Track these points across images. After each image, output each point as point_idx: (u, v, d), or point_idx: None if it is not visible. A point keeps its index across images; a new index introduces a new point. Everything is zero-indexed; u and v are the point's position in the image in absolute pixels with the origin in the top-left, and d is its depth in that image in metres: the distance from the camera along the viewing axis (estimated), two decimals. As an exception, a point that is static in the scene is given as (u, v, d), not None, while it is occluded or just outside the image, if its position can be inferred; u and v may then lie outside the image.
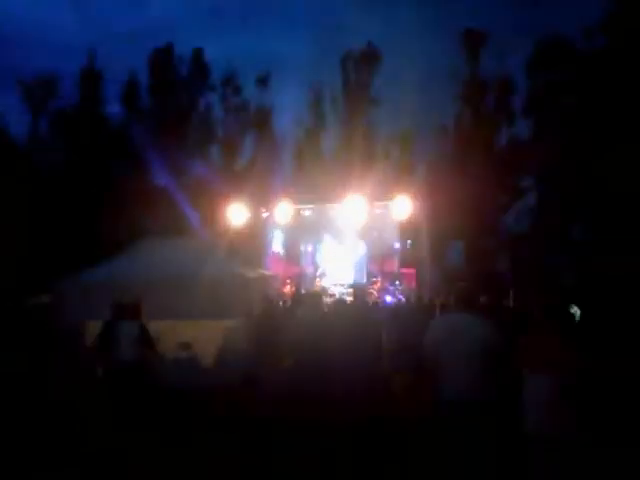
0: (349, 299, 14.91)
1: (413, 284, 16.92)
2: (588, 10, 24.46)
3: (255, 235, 17.82)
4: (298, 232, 18.82)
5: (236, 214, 16.94)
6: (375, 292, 17.13)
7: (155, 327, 7.54)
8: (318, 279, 18.51)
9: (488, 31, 28.30)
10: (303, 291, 15.61)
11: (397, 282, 17.22)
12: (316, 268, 19.11)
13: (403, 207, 16.60)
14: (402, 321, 8.89)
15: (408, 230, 16.79)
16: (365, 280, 18.14)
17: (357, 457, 4.97)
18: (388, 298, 16.04)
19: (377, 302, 16.12)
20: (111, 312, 7.15)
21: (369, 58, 30.35)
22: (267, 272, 15.38)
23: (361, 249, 18.81)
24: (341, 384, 4.94)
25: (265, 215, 17.46)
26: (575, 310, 6.64)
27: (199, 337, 9.12)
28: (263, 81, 31.18)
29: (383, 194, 16.47)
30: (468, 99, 28.06)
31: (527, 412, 4.42)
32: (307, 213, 17.08)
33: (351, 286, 16.61)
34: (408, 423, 5.90)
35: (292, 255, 19.24)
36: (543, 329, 4.52)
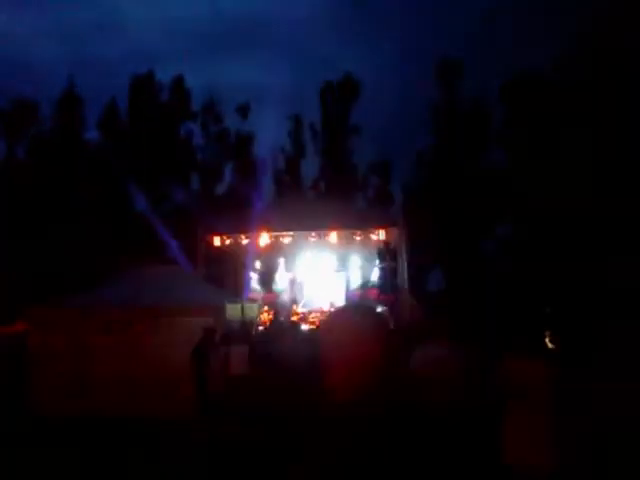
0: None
1: (392, 311, 16.92)
2: (562, 43, 25.26)
3: (234, 262, 17.75)
4: (277, 259, 18.78)
5: (215, 241, 16.87)
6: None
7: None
8: (296, 306, 18.45)
9: (463, 61, 29.05)
10: (282, 319, 15.56)
11: (378, 309, 17.22)
12: (295, 295, 19.05)
13: (382, 235, 16.71)
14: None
15: (387, 257, 16.86)
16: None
17: None
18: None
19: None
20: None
21: (347, 89, 30.84)
22: (246, 300, 15.30)
23: (340, 276, 18.82)
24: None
25: (244, 242, 17.41)
26: (549, 336, 6.74)
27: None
28: (243, 109, 31.46)
29: (362, 222, 16.56)
30: (444, 127, 28.59)
31: (508, 442, 4.44)
32: (286, 240, 17.08)
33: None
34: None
35: (271, 282, 19.16)
36: (521, 356, 4.58)
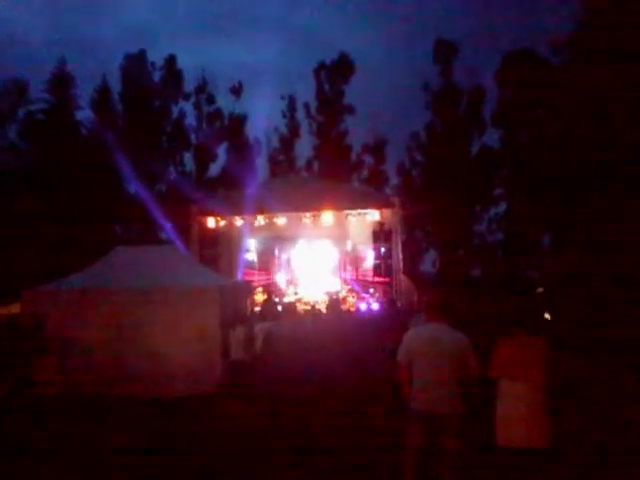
0: (323, 308, 14.98)
1: (387, 292, 16.99)
2: (559, 24, 25.04)
3: (228, 243, 17.73)
4: (271, 240, 18.79)
5: (209, 223, 16.84)
6: (351, 300, 17.20)
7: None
8: (291, 287, 18.51)
9: (459, 42, 28.79)
10: (276, 299, 15.60)
11: (371, 290, 17.29)
12: (289, 276, 19.10)
13: (377, 215, 16.71)
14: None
15: (382, 239, 16.86)
16: (339, 288, 18.18)
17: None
18: (363, 306, 16.09)
19: (351, 310, 16.19)
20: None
21: (342, 68, 30.57)
22: (240, 280, 15.33)
23: (335, 258, 18.86)
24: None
25: (239, 223, 17.39)
26: (547, 317, 6.79)
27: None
28: (237, 89, 31.18)
29: (357, 203, 16.54)
30: (439, 109, 28.43)
31: (501, 424, 4.47)
32: (281, 221, 17.06)
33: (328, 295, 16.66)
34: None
35: (265, 263, 19.19)
36: (517, 337, 4.60)
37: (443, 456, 4.18)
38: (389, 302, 14.01)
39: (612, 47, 11.74)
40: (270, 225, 17.25)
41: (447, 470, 4.16)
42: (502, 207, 27.53)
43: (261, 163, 31.06)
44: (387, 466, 4.86)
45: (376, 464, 5.12)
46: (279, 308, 13.55)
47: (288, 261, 19.24)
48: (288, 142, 31.24)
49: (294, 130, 31.25)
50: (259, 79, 37.71)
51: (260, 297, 16.66)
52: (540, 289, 14.75)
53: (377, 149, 30.77)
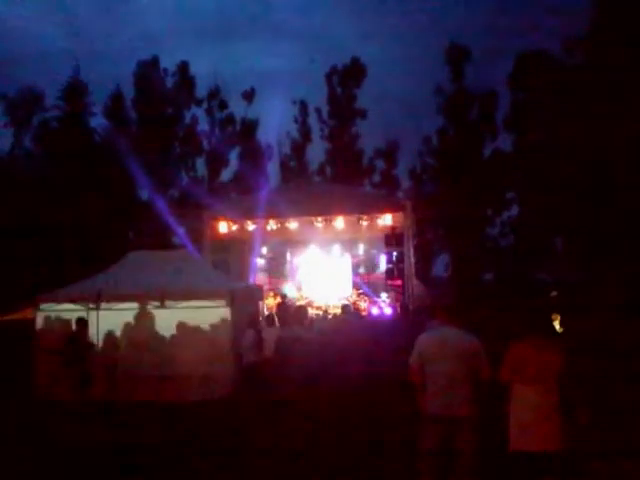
0: (335, 312, 14.94)
1: (399, 296, 16.92)
2: (570, 25, 24.90)
3: (240, 248, 17.77)
4: (283, 245, 18.80)
5: (222, 227, 16.89)
6: (364, 304, 17.15)
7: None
8: (302, 291, 18.47)
9: (472, 46, 28.75)
10: (288, 303, 15.57)
11: (383, 295, 17.22)
12: (300, 281, 19.08)
13: (389, 220, 16.65)
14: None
15: (394, 243, 16.80)
16: (351, 293, 18.14)
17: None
18: (375, 310, 16.04)
19: (362, 314, 16.13)
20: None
21: (354, 73, 30.63)
22: (252, 284, 15.34)
23: (347, 261, 18.82)
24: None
25: (250, 228, 17.43)
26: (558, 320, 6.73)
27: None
28: (249, 95, 31.34)
29: (368, 207, 16.50)
30: (452, 113, 28.37)
31: (515, 428, 4.42)
32: (292, 226, 17.06)
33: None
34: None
35: (276, 267, 19.20)
36: (531, 339, 4.56)
37: (458, 459, 4.15)
38: (401, 307, 13.94)
39: (626, 46, 11.66)
40: (282, 230, 17.25)
41: (462, 474, 4.13)
42: (514, 210, 27.42)
43: (273, 168, 31.19)
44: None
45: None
46: (291, 312, 13.53)
47: (300, 265, 19.23)
48: (300, 147, 31.32)
49: (306, 135, 31.33)
50: (271, 84, 37.78)
51: (271, 301, 16.62)
52: (554, 293, 14.65)
53: (389, 153, 30.77)
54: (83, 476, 5.69)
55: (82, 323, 8.76)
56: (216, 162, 30.52)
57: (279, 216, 16.57)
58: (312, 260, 18.89)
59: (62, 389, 8.26)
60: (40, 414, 7.93)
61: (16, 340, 10.40)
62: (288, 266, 19.35)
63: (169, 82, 30.67)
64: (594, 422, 4.42)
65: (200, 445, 6.59)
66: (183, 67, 30.86)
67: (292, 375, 6.28)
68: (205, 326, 9.30)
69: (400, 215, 16.42)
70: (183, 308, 9.29)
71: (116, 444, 6.45)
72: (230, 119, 31.14)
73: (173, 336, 9.30)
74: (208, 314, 9.33)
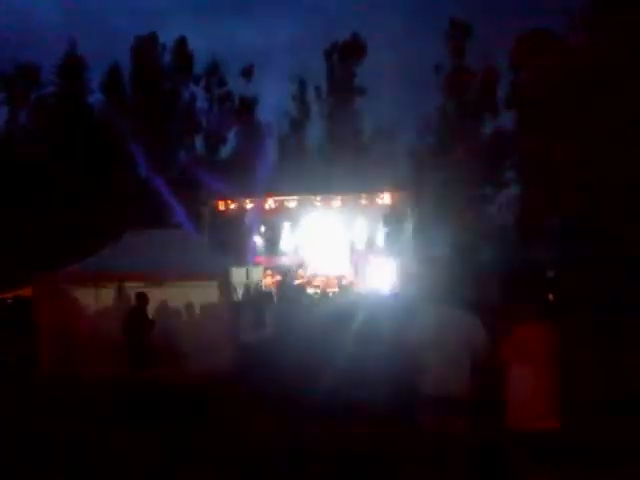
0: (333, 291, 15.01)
1: (396, 275, 16.97)
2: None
3: (239, 226, 17.76)
4: (282, 223, 18.79)
5: (220, 206, 16.86)
6: (361, 283, 17.17)
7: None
8: (301, 270, 18.49)
9: (473, 23, 28.40)
10: (286, 282, 15.61)
11: (382, 274, 17.24)
12: (299, 259, 19.08)
13: (387, 199, 16.63)
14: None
15: (393, 222, 16.80)
16: (349, 271, 18.16)
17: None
18: (373, 290, 16.08)
19: (361, 293, 16.18)
20: None
21: (353, 49, 30.29)
22: (250, 263, 15.37)
23: (345, 240, 18.81)
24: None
25: (249, 206, 17.40)
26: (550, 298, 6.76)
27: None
28: (247, 72, 31.02)
29: (367, 185, 16.47)
30: (452, 91, 28.14)
31: (511, 407, 4.46)
32: (291, 204, 17.03)
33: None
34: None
35: (275, 246, 19.21)
36: (527, 321, 4.58)
37: (454, 439, 4.19)
38: (400, 286, 14.00)
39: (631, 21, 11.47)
40: (280, 208, 17.23)
41: (458, 453, 4.18)
42: (513, 190, 27.35)
43: (272, 146, 30.99)
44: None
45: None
46: (290, 291, 13.59)
47: (298, 244, 19.22)
48: (299, 125, 31.10)
49: (305, 113, 31.09)
50: (270, 61, 37.41)
51: (270, 280, 16.68)
52: (551, 273, 14.67)
53: (388, 131, 30.57)
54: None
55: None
56: (214, 140, 30.34)
57: (278, 194, 16.56)
58: (311, 239, 18.89)
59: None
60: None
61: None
62: (287, 244, 19.35)
63: (167, 58, 30.34)
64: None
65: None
66: (181, 43, 30.47)
67: (290, 354, 6.31)
68: (203, 305, 9.33)
69: (399, 194, 16.41)
70: (179, 287, 9.30)
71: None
72: (229, 96, 30.87)
73: (170, 314, 9.33)
74: (205, 293, 9.35)
